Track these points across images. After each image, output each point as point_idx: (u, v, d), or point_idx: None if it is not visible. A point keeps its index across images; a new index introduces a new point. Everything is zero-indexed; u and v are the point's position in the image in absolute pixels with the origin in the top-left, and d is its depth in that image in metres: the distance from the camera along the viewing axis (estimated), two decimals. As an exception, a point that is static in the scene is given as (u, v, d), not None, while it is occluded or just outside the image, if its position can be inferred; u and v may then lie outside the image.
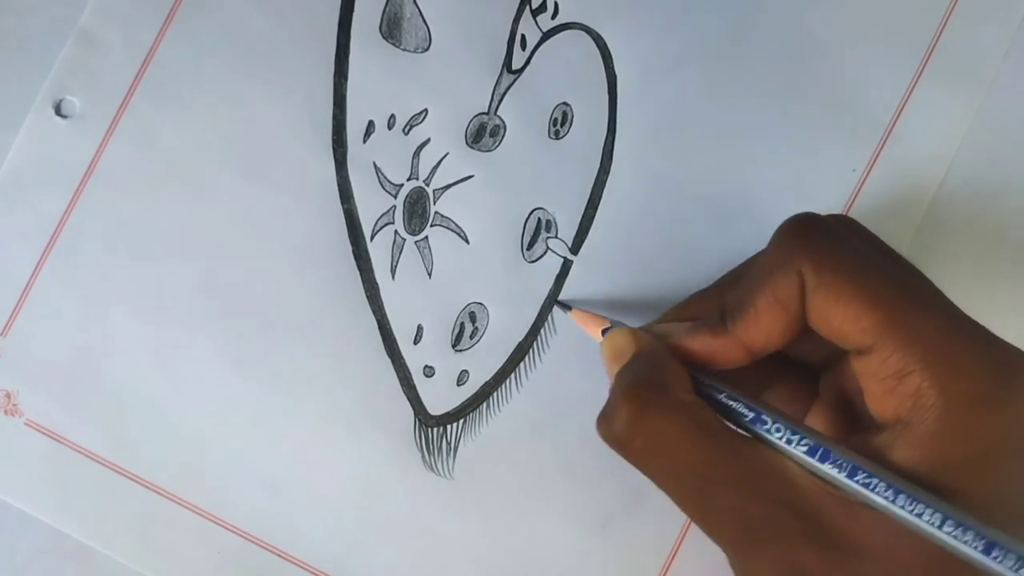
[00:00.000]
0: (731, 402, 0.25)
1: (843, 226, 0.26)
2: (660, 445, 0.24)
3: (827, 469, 0.23)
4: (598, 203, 0.33)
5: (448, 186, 0.32)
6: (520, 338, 0.32)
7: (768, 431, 0.24)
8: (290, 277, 0.31)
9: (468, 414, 0.32)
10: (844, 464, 0.23)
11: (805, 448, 0.24)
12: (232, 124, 0.31)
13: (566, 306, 0.32)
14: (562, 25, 0.32)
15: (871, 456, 0.23)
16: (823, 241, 0.24)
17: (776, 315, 0.24)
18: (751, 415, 0.24)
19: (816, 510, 0.23)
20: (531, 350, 0.32)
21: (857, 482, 0.23)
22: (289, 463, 0.31)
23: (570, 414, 0.32)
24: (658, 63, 0.32)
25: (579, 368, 0.32)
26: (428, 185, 0.32)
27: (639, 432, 0.24)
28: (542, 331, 0.32)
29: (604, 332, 0.28)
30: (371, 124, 0.32)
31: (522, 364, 0.32)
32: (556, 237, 0.32)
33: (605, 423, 0.25)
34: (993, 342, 0.23)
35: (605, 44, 0.32)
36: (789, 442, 0.24)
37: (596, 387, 0.32)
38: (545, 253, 0.32)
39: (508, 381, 0.32)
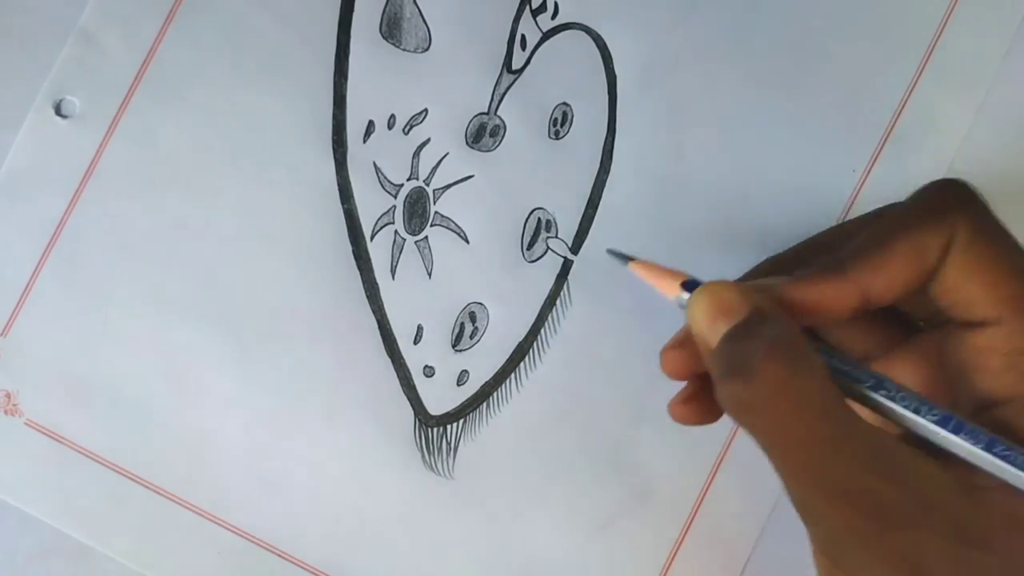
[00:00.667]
0: (851, 369, 0.23)
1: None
2: (799, 412, 0.22)
3: (960, 441, 0.21)
4: (598, 203, 0.33)
5: (448, 186, 0.32)
6: (520, 338, 0.32)
7: (893, 399, 0.22)
8: (290, 277, 0.31)
9: (468, 414, 0.32)
10: (980, 436, 0.21)
11: (935, 418, 0.22)
12: (232, 124, 0.31)
13: (623, 256, 0.28)
14: (562, 25, 0.32)
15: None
16: (980, 205, 0.24)
17: (909, 262, 0.23)
18: (872, 381, 0.23)
19: (942, 499, 0.21)
20: (531, 350, 0.32)
21: (996, 454, 0.21)
22: (289, 463, 0.31)
23: (570, 414, 0.32)
24: (658, 63, 0.32)
25: (579, 368, 0.32)
26: (428, 185, 0.32)
27: (785, 397, 0.22)
28: (542, 331, 0.32)
29: (685, 286, 0.25)
30: (371, 124, 0.32)
31: (522, 364, 0.32)
32: (556, 237, 0.32)
33: (741, 383, 0.22)
34: None
35: (605, 44, 0.32)
36: (918, 411, 0.22)
37: (597, 387, 0.32)
38: (545, 253, 0.32)
39: (508, 381, 0.32)
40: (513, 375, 0.32)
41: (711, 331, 0.24)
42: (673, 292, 0.25)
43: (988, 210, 0.24)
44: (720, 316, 0.24)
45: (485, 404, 0.32)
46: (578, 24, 0.32)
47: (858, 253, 0.24)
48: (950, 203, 0.24)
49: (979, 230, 0.23)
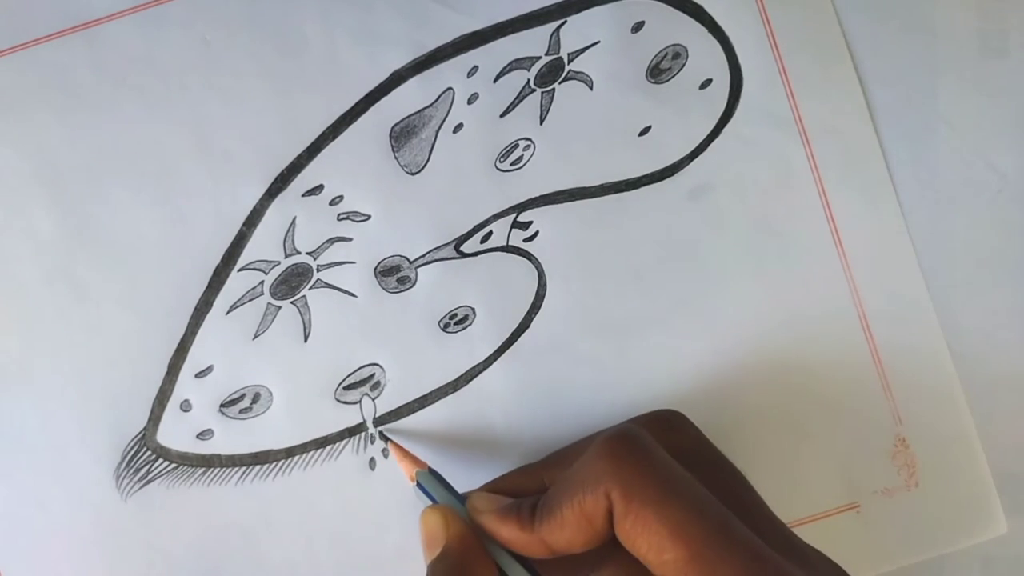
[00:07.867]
0: None
1: (670, 432, 0.27)
2: None
3: None
4: (433, 403, 0.32)
5: (329, 286, 0.32)
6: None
7: None
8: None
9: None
10: None
11: None
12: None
13: (386, 437, 0.31)
14: (515, 248, 0.32)
15: None
16: (635, 465, 0.24)
17: (581, 527, 0.25)
18: None
19: None
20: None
21: None
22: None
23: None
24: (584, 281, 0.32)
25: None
26: (315, 270, 0.32)
27: None
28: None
29: (418, 475, 0.29)
30: (320, 187, 0.31)
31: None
32: (373, 400, 0.32)
33: None
34: None
35: (543, 271, 0.32)
36: None
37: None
38: (355, 403, 0.32)
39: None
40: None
41: (426, 555, 0.28)
42: (411, 479, 0.29)
43: (644, 467, 0.24)
44: (427, 545, 0.27)
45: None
46: (526, 253, 0.32)
47: (543, 510, 0.26)
48: (606, 468, 0.24)
49: (630, 496, 0.24)
